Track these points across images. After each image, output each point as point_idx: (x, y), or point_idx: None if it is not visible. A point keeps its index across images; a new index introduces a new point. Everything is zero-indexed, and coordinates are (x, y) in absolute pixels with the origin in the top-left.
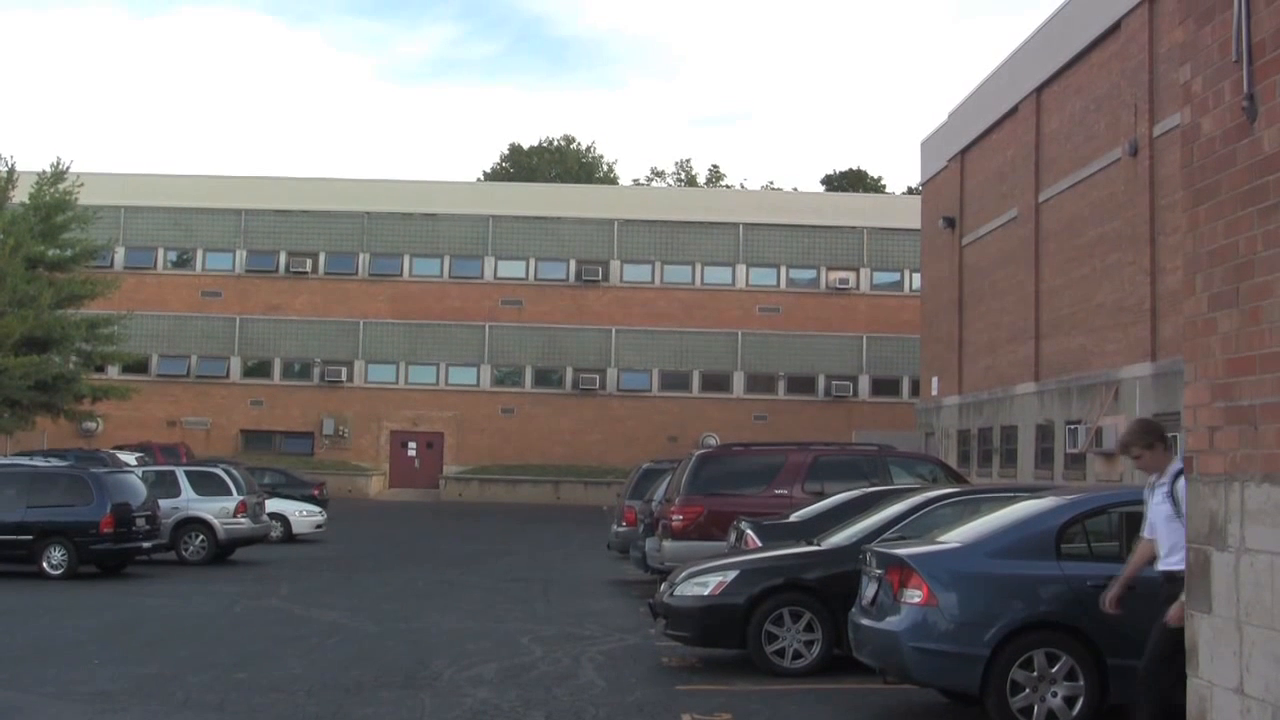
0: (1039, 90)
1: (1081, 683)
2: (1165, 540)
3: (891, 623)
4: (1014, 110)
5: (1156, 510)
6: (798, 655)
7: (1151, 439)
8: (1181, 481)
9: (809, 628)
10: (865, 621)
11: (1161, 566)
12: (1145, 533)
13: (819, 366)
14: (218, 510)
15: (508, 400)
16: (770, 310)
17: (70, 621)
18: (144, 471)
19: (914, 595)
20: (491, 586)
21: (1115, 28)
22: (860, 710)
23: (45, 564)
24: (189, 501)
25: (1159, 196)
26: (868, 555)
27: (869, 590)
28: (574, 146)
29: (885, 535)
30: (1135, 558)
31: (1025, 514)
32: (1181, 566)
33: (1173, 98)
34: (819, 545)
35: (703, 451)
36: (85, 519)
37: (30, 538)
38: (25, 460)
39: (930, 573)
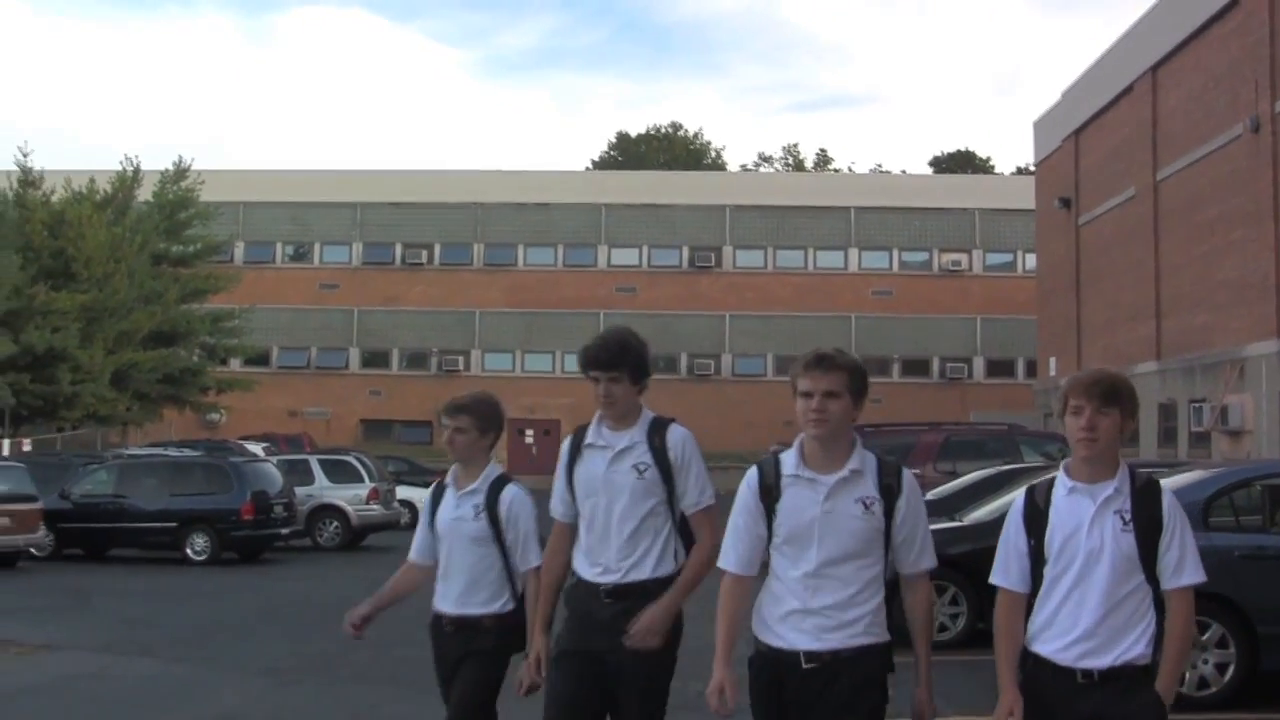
0: (1155, 68)
1: (1232, 650)
2: (463, 569)
3: None
4: (1129, 88)
5: (458, 526)
6: (943, 628)
7: (476, 420)
8: (508, 495)
9: (954, 601)
10: None
11: (451, 608)
12: (414, 554)
13: (933, 349)
14: (350, 497)
15: None
16: (883, 293)
17: (222, 604)
18: (278, 460)
19: None
20: None
21: (1234, 3)
22: None
23: (189, 550)
24: (323, 489)
25: None
26: None
27: None
28: (681, 133)
29: None
30: (395, 581)
31: (1171, 488)
32: (486, 610)
33: None
34: (961, 521)
35: None
36: (226, 507)
37: (174, 525)
38: (162, 451)
39: None
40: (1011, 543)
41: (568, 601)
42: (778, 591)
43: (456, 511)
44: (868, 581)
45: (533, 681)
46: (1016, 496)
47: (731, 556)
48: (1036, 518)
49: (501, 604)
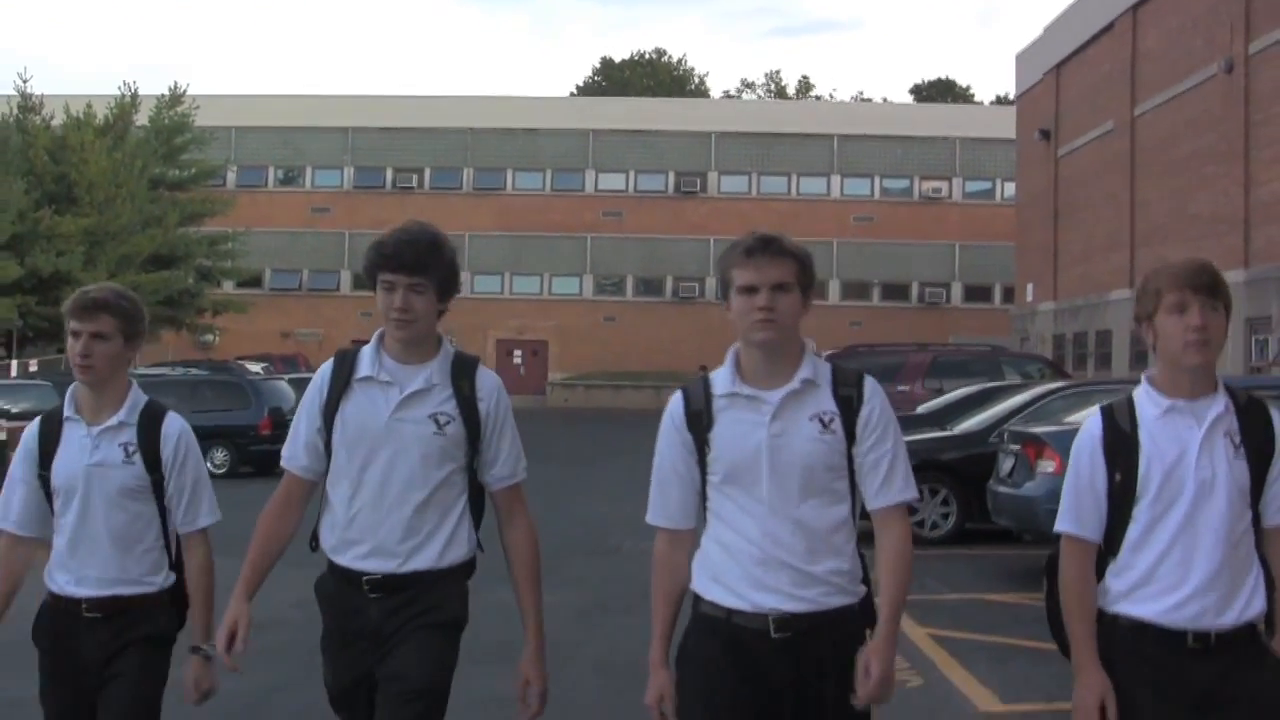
0: (1135, 7)
1: None
2: (108, 535)
3: (1028, 489)
4: (1110, 26)
5: (99, 475)
6: (935, 526)
7: (122, 323)
8: (174, 427)
9: (945, 502)
10: (1004, 490)
11: (93, 589)
12: (14, 523)
13: (912, 274)
14: None
15: (610, 309)
16: (865, 220)
17: (251, 513)
18: (289, 378)
19: (1048, 465)
20: (624, 479)
21: None
22: (996, 570)
23: (209, 464)
24: None
25: (1253, 112)
26: (1005, 435)
27: (1006, 464)
28: (665, 60)
29: (1012, 421)
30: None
31: None
32: (144, 588)
33: (1268, 17)
34: (951, 430)
35: (830, 353)
36: (245, 422)
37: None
38: (169, 371)
39: (1062, 446)
40: (1085, 480)
41: (323, 600)
42: (725, 540)
43: (96, 455)
44: (838, 523)
45: (209, 684)
46: (1087, 421)
47: (660, 509)
48: (1121, 445)
49: (163, 578)
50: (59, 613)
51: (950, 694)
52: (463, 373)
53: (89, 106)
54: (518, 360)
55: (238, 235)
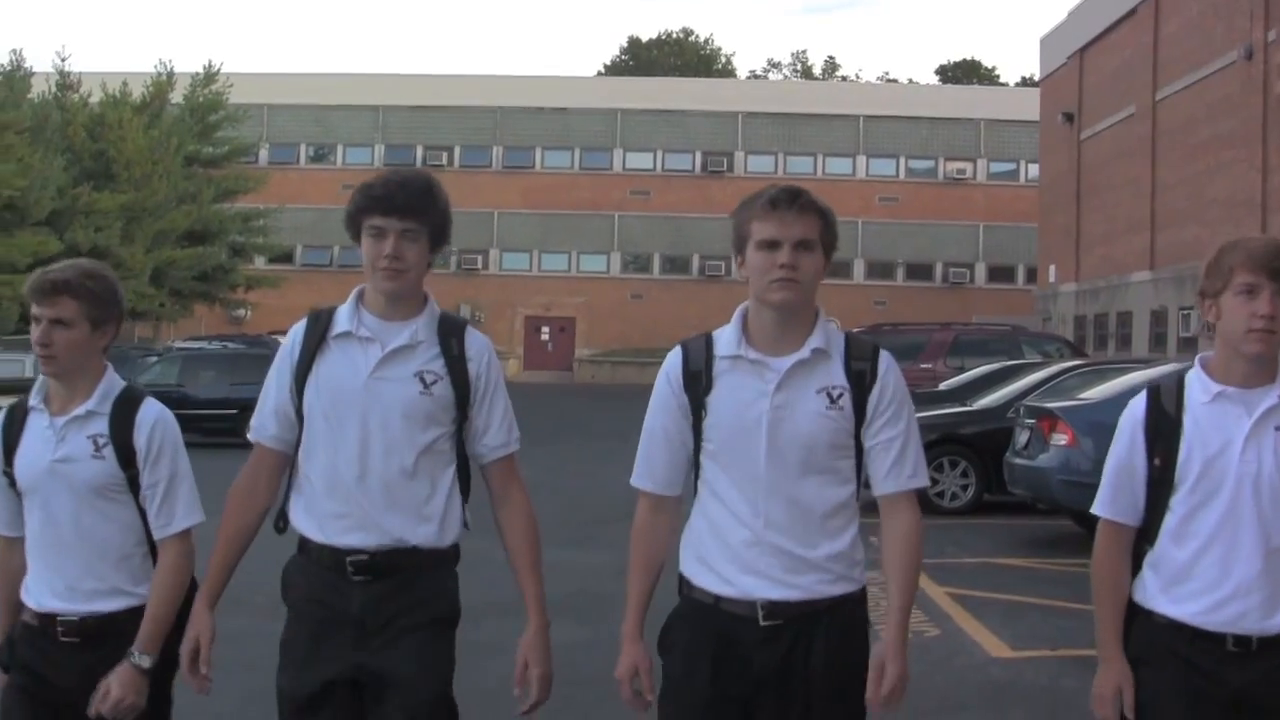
0: None
1: None
2: (79, 540)
3: (1042, 461)
4: (1133, 11)
5: (64, 471)
6: (955, 497)
7: (86, 307)
8: (149, 415)
9: (964, 474)
10: (1019, 461)
11: (65, 603)
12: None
13: (936, 254)
14: None
15: (637, 286)
16: (889, 200)
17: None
18: None
19: (1061, 439)
20: None
21: None
22: (1011, 538)
23: (249, 435)
24: None
25: (1271, 99)
26: (1021, 410)
27: (1022, 437)
28: (692, 39)
29: (1029, 397)
30: None
31: (1149, 375)
32: (128, 602)
33: None
34: (971, 406)
35: (856, 330)
36: None
37: (235, 412)
38: (206, 345)
39: (1074, 421)
40: (1123, 461)
41: (292, 586)
42: (716, 517)
43: (61, 449)
44: (839, 505)
45: (120, 696)
46: (1132, 401)
47: (646, 472)
48: (1165, 429)
49: (147, 589)
50: (33, 632)
51: (965, 642)
52: (451, 332)
53: (125, 84)
54: (545, 337)
55: (270, 212)
